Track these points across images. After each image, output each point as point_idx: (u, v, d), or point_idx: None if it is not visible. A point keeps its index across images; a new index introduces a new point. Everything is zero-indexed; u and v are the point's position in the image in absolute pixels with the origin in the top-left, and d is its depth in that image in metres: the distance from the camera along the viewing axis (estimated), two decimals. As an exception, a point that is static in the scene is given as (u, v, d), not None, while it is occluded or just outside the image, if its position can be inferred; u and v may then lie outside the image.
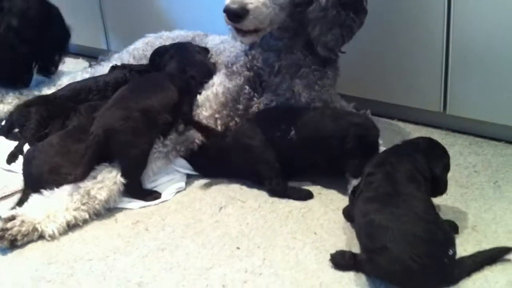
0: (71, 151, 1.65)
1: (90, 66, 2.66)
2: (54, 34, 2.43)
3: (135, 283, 1.30)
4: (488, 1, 1.77)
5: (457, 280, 1.24)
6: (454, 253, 1.25)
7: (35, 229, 1.48)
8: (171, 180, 1.73)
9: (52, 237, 1.49)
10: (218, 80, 1.92)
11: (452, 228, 1.42)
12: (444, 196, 1.58)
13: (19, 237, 1.45)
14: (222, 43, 2.30)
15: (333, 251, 1.37)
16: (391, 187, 1.35)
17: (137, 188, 1.65)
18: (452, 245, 1.26)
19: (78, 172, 1.57)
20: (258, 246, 1.43)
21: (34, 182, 1.60)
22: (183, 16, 2.68)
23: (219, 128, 1.83)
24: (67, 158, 1.63)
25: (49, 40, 2.41)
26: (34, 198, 1.56)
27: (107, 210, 1.60)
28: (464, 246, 1.37)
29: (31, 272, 1.37)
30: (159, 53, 2.19)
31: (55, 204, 1.52)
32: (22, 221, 1.47)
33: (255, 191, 1.69)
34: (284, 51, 1.78)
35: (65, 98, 1.98)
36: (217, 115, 1.83)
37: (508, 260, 1.32)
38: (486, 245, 1.38)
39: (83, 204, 1.54)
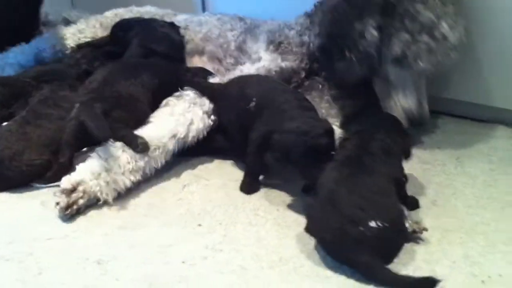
0: (32, 138, 1.62)
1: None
2: None
3: (94, 261, 1.29)
4: None
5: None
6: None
7: (96, 197, 1.49)
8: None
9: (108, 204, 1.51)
10: (268, 56, 1.91)
11: (413, 203, 1.44)
12: (406, 171, 1.61)
13: (82, 208, 1.47)
14: (198, 16, 2.34)
15: (294, 227, 1.38)
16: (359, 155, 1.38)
17: None
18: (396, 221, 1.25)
19: (65, 158, 1.59)
20: (220, 223, 1.43)
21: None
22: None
23: None
24: (28, 144, 1.61)
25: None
26: (89, 163, 1.53)
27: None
28: (425, 220, 1.39)
29: (-11, 251, 1.35)
30: (123, 28, 2.17)
31: (112, 169, 1.52)
32: (84, 192, 1.47)
33: (221, 170, 1.69)
34: None
35: (29, 77, 1.94)
36: None
37: (467, 234, 1.34)
38: (445, 219, 1.40)
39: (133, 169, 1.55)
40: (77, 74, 1.95)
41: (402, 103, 1.68)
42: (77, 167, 1.54)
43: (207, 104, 1.72)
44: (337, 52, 1.71)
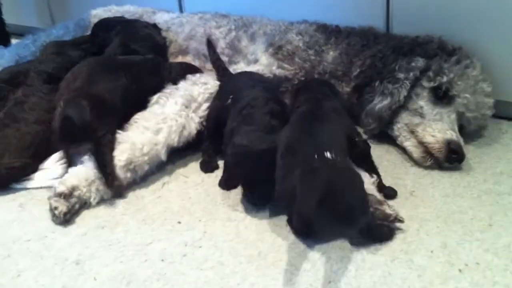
0: (11, 141, 1.61)
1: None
2: None
3: (73, 261, 1.28)
4: None
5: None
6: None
7: (87, 203, 1.49)
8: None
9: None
10: (265, 60, 1.86)
11: (390, 194, 1.45)
12: (384, 162, 1.62)
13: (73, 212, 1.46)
14: (178, 17, 2.29)
15: (273, 221, 1.38)
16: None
17: None
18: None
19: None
20: (200, 219, 1.42)
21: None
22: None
23: None
24: (7, 148, 1.60)
25: None
26: (84, 169, 1.51)
27: (46, 190, 1.57)
28: (402, 211, 1.39)
29: (-33, 255, 1.34)
30: (104, 28, 2.14)
31: (94, 169, 1.50)
32: (78, 197, 1.46)
33: (199, 166, 1.68)
34: None
35: (2, 81, 1.92)
36: None
37: (444, 223, 1.35)
38: (423, 209, 1.41)
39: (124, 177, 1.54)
40: (46, 72, 1.91)
41: (445, 135, 1.60)
42: (70, 170, 1.53)
43: (201, 107, 1.70)
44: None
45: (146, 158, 1.56)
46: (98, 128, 1.55)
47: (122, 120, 1.65)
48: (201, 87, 1.72)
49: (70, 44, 2.05)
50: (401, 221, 1.31)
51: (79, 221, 1.44)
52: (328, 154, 1.24)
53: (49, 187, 1.57)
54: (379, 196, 1.36)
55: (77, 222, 1.44)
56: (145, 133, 1.59)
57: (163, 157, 1.60)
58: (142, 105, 1.71)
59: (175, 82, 1.77)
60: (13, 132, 1.64)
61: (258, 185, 1.41)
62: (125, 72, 1.75)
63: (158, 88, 1.76)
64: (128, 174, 1.54)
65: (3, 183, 1.59)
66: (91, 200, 1.48)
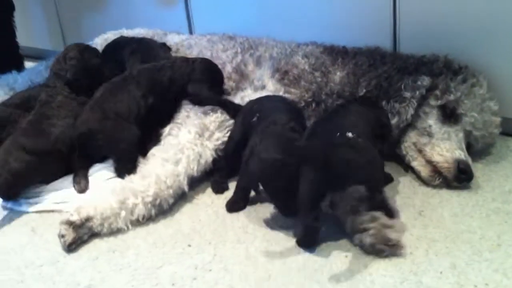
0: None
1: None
2: None
3: (84, 286, 1.30)
4: None
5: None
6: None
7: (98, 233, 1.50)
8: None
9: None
10: (272, 86, 1.85)
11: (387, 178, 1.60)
12: (393, 182, 1.63)
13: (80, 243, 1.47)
14: (188, 39, 2.31)
15: (283, 243, 1.39)
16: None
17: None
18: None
19: (82, 184, 1.67)
20: (210, 242, 1.44)
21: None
22: (140, 16, 2.69)
23: None
24: None
25: None
26: (102, 202, 1.51)
27: (58, 214, 1.59)
28: (411, 231, 1.40)
29: (-20, 280, 1.36)
30: (119, 45, 2.17)
31: (121, 215, 1.50)
32: (90, 229, 1.47)
33: (209, 188, 1.70)
34: None
35: (15, 105, 1.95)
36: None
37: (453, 243, 1.35)
38: (432, 229, 1.41)
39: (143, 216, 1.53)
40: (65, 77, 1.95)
41: (454, 154, 1.61)
42: (89, 195, 1.56)
43: (213, 136, 1.71)
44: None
45: (171, 191, 1.56)
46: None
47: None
48: (211, 116, 1.73)
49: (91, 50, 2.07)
50: (402, 246, 1.32)
51: (91, 244, 1.46)
52: (350, 134, 1.35)
53: (60, 211, 1.60)
54: (385, 219, 1.36)
55: (88, 246, 1.46)
56: (165, 165, 1.59)
57: (186, 187, 1.61)
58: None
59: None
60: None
61: (287, 195, 1.41)
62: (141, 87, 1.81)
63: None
64: (153, 211, 1.54)
65: None
66: (102, 232, 1.48)
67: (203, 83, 1.85)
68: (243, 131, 1.64)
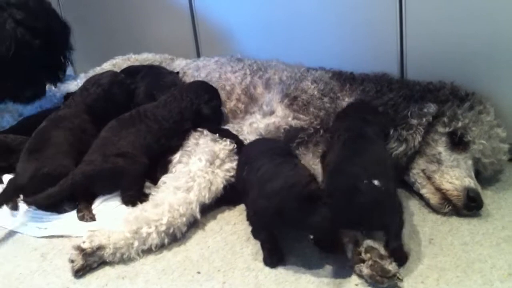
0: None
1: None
2: (55, 27, 2.12)
3: (94, 314, 1.30)
4: None
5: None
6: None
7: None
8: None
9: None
10: (281, 111, 1.84)
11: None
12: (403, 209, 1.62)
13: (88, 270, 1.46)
14: (195, 61, 2.34)
15: (293, 270, 1.39)
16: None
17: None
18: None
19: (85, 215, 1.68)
20: (218, 269, 1.43)
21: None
22: (149, 40, 2.72)
23: None
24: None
25: (54, 35, 2.10)
26: (117, 232, 1.50)
27: (67, 240, 1.59)
28: (422, 260, 1.40)
29: (-11, 306, 1.36)
30: (130, 74, 2.19)
31: (134, 245, 1.50)
32: (100, 258, 1.47)
33: (217, 214, 1.70)
34: None
35: (17, 132, 1.98)
36: None
37: (464, 272, 1.34)
38: (442, 258, 1.41)
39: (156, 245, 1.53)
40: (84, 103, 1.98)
41: (463, 182, 1.61)
42: (103, 222, 1.56)
43: (224, 165, 1.70)
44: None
45: (184, 219, 1.56)
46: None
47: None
48: (221, 143, 1.74)
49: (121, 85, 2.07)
50: (400, 279, 1.31)
51: (100, 271, 1.46)
52: (376, 182, 1.32)
53: (70, 236, 1.61)
54: (382, 250, 1.35)
55: (97, 272, 1.45)
56: (177, 193, 1.59)
57: (198, 215, 1.61)
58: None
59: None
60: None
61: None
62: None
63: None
64: (166, 240, 1.54)
65: None
66: (113, 261, 1.48)
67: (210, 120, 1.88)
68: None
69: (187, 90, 1.93)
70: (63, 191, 1.65)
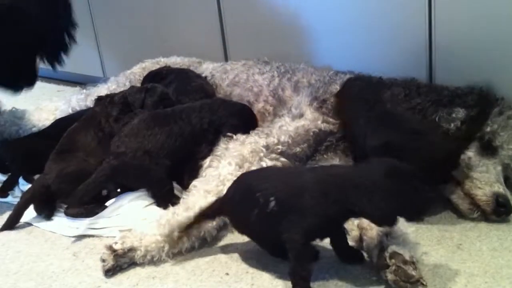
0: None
1: (84, 88, 2.57)
2: (60, 13, 1.99)
3: (125, 312, 1.33)
4: None
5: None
6: None
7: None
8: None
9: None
10: (310, 114, 1.84)
11: None
12: (431, 215, 1.62)
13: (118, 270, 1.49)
14: (222, 65, 2.37)
15: (321, 273, 1.39)
16: None
17: None
18: None
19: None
20: (247, 271, 1.45)
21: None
22: (177, 44, 2.75)
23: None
24: None
25: (56, 21, 1.97)
26: (149, 235, 1.52)
27: (98, 239, 1.62)
28: (450, 265, 1.39)
29: (24, 304, 1.40)
30: (156, 78, 2.22)
31: (165, 248, 1.52)
32: (131, 259, 1.49)
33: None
34: None
35: (49, 135, 2.02)
36: (297, 149, 1.80)
37: (492, 278, 1.34)
38: (470, 263, 1.40)
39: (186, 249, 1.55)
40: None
41: (493, 188, 1.60)
42: (136, 226, 1.57)
43: (254, 167, 1.70)
44: None
45: (214, 223, 1.58)
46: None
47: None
48: (249, 147, 1.75)
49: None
50: (424, 285, 1.30)
51: (130, 271, 1.49)
52: None
53: (100, 236, 1.64)
54: (407, 255, 1.34)
55: (128, 272, 1.48)
56: (208, 197, 1.60)
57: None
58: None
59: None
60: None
61: None
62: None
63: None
64: (197, 243, 1.56)
65: None
66: (143, 262, 1.51)
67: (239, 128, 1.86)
68: None
69: (226, 106, 1.93)
70: (96, 186, 1.69)
